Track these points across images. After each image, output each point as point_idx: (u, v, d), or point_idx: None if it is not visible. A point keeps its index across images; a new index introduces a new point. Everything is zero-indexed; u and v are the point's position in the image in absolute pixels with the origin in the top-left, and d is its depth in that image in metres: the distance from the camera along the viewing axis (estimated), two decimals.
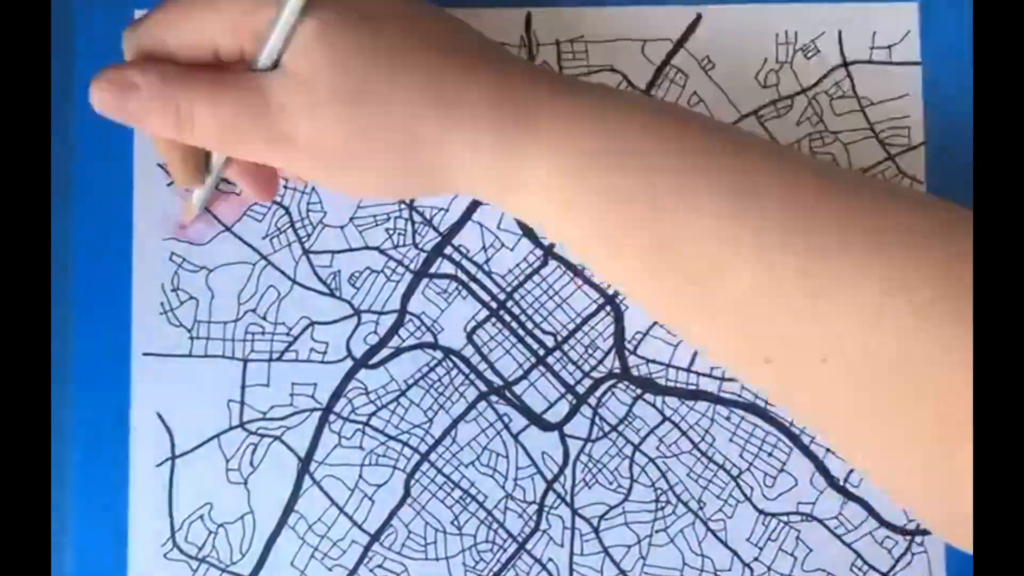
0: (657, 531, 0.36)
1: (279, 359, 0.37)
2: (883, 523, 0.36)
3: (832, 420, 0.30)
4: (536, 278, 0.37)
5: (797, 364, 0.29)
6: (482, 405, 0.36)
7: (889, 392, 0.28)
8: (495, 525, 0.36)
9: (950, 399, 0.27)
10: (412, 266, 0.37)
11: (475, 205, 0.37)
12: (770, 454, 0.36)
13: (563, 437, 0.36)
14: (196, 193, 0.35)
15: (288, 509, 0.36)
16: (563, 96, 0.30)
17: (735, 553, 0.36)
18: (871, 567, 0.36)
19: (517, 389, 0.36)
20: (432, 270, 0.37)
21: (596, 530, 0.36)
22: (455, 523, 0.36)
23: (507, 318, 0.37)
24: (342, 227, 0.37)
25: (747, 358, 0.31)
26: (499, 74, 0.30)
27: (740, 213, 0.28)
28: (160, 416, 0.36)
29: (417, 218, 0.37)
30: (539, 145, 0.29)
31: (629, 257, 0.30)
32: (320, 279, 0.37)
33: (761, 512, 0.36)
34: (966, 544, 0.29)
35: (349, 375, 0.36)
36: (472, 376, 0.36)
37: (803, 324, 0.28)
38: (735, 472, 0.36)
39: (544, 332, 0.37)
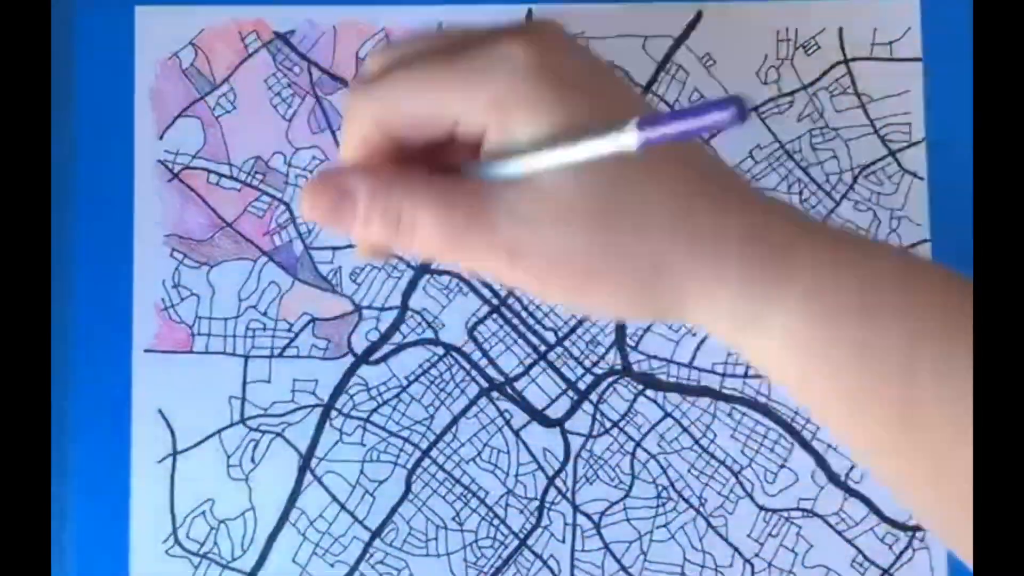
0: (658, 527, 0.36)
1: (280, 355, 0.37)
2: (884, 519, 0.36)
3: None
4: None
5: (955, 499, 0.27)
6: (483, 401, 0.36)
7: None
8: (496, 521, 0.36)
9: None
10: (413, 263, 0.37)
11: None
12: (771, 450, 0.36)
13: (564, 433, 0.36)
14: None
15: (289, 505, 0.36)
16: (821, 238, 0.27)
17: (736, 549, 0.36)
18: (872, 563, 0.36)
19: (518, 385, 0.36)
20: (433, 266, 0.37)
21: (597, 526, 0.36)
22: (456, 519, 0.36)
23: (508, 314, 0.37)
24: None
25: (947, 506, 0.28)
26: (751, 210, 0.27)
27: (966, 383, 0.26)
28: (161, 413, 0.36)
29: None
30: (791, 289, 0.27)
31: (871, 416, 0.27)
32: (321, 275, 0.37)
33: (762, 508, 0.36)
34: None
35: (350, 371, 0.36)
36: (473, 372, 0.36)
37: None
38: (736, 468, 0.36)
39: (545, 328, 0.37)
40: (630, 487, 0.36)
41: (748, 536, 0.36)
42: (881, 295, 0.27)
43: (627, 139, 0.24)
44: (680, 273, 0.27)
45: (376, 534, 0.36)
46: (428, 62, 0.27)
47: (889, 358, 0.26)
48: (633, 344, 0.36)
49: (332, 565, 0.36)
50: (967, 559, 0.28)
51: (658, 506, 0.36)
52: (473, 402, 0.36)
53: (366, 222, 0.27)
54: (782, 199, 0.30)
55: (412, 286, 0.37)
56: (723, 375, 0.36)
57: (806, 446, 0.36)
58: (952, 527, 0.28)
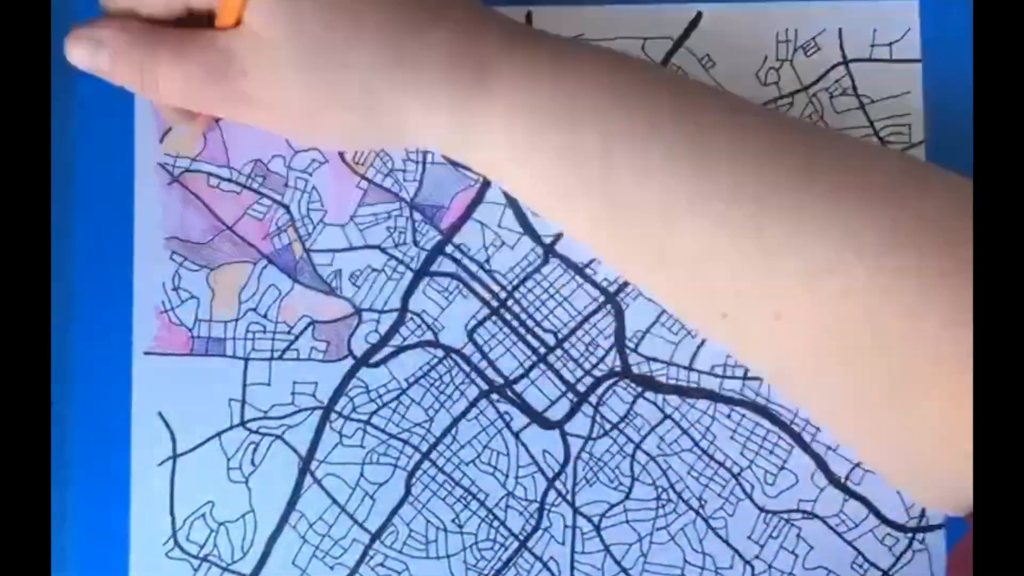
0: (658, 529, 0.36)
1: (280, 358, 0.37)
2: (884, 520, 0.36)
3: (790, 376, 0.32)
4: (537, 276, 0.37)
5: (752, 320, 0.30)
6: (483, 403, 0.36)
7: (841, 348, 0.29)
8: (496, 523, 0.36)
9: (905, 353, 0.28)
10: (413, 264, 0.37)
11: (475, 204, 0.37)
12: (771, 452, 0.36)
13: (564, 435, 0.36)
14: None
15: (289, 508, 0.36)
16: (519, 53, 0.30)
17: (736, 551, 0.36)
18: (872, 565, 0.36)
19: (518, 387, 0.36)
20: (433, 268, 0.37)
21: (597, 528, 0.36)
22: (456, 521, 0.36)
23: (508, 316, 0.37)
24: (343, 226, 0.37)
25: (703, 313, 0.32)
26: (456, 32, 0.30)
27: (694, 174, 0.29)
28: (161, 415, 0.36)
29: (418, 216, 0.37)
30: (495, 104, 0.30)
31: (583, 212, 0.31)
32: (321, 278, 0.37)
33: (762, 510, 0.36)
34: (926, 499, 0.30)
35: (350, 374, 0.36)
36: (473, 374, 0.36)
37: (756, 281, 0.29)
38: (736, 470, 0.36)
39: (545, 330, 0.37)
40: (630, 489, 0.36)
41: (748, 538, 0.36)
42: (578, 100, 0.30)
43: None
44: (395, 105, 0.30)
45: (376, 536, 0.36)
46: None
47: (588, 160, 0.30)
48: (632, 346, 0.36)
49: (332, 567, 0.36)
50: (696, 327, 0.34)
51: (658, 508, 0.36)
52: (473, 404, 0.36)
53: (114, 71, 0.31)
54: (489, 10, 0.32)
55: (412, 288, 0.37)
56: (722, 377, 0.36)
57: (806, 448, 0.36)
58: (675, 298, 0.32)
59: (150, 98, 0.32)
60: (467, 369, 0.36)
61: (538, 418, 0.36)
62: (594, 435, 0.36)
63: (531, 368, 0.36)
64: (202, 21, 0.31)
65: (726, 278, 0.30)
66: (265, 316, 0.37)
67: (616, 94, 0.30)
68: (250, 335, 0.37)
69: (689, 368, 0.36)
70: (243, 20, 0.30)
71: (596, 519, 0.36)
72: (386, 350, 0.37)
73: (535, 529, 0.36)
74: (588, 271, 0.37)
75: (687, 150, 0.29)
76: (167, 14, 0.31)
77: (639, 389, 0.36)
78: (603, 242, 0.32)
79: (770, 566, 0.36)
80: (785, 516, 0.36)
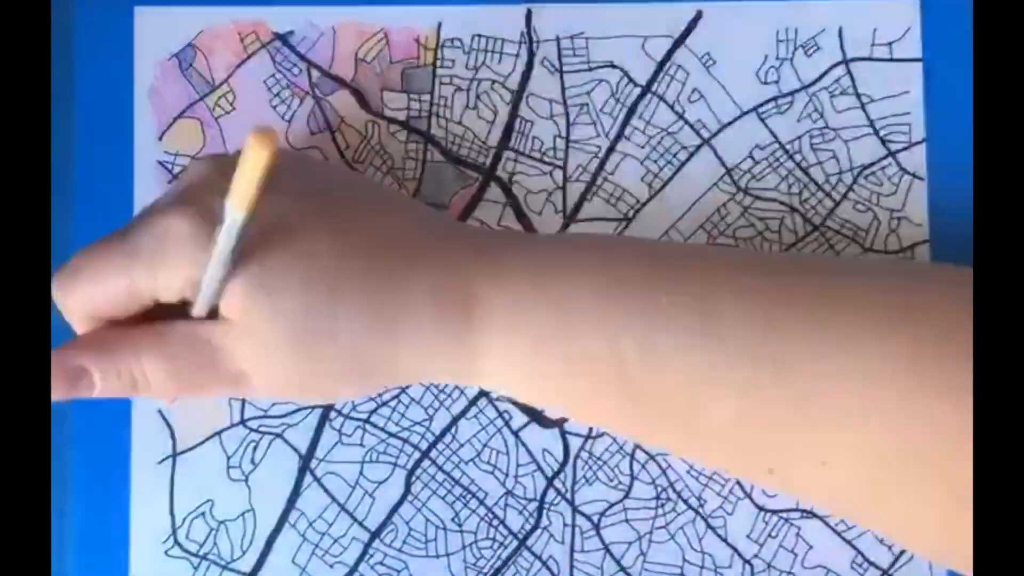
0: (657, 528, 0.36)
1: None
2: None
3: (847, 509, 0.32)
4: None
5: (798, 471, 0.30)
6: (482, 402, 0.36)
7: (893, 479, 0.28)
8: (495, 522, 0.36)
9: (955, 471, 0.27)
10: None
11: (475, 202, 0.37)
12: None
13: (563, 434, 0.36)
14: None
15: (289, 506, 0.36)
16: (504, 279, 0.30)
17: (735, 550, 0.36)
18: (871, 564, 0.36)
19: None
20: None
21: (596, 527, 0.36)
22: (455, 520, 0.36)
23: None
24: None
25: (749, 471, 0.32)
26: (436, 274, 0.30)
27: (707, 351, 0.29)
28: (161, 414, 0.36)
29: None
30: (491, 337, 0.30)
31: (605, 411, 0.31)
32: None
33: (761, 509, 0.36)
34: None
35: None
36: None
37: (796, 434, 0.29)
38: None
39: None
40: (629, 488, 0.36)
41: (747, 537, 0.36)
42: (570, 313, 0.29)
43: (230, 217, 0.26)
44: (386, 359, 0.30)
45: (375, 535, 0.36)
46: (104, 260, 0.29)
47: (597, 363, 0.29)
48: None
49: (331, 566, 0.36)
50: (744, 480, 0.33)
51: (657, 507, 0.36)
52: (472, 403, 0.36)
53: (107, 391, 0.30)
54: (461, 236, 0.32)
55: None
56: None
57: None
58: (718, 464, 0.33)
59: (144, 396, 0.30)
60: None
61: (538, 417, 0.36)
62: (593, 434, 0.36)
63: None
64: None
65: (763, 438, 0.29)
66: None
67: (608, 293, 0.29)
68: None
69: None
70: (220, 311, 0.29)
71: (595, 518, 0.36)
72: None
73: (534, 528, 0.36)
74: None
75: (693, 326, 0.29)
76: (139, 308, 0.30)
77: None
78: (634, 430, 0.32)
79: (769, 565, 0.36)
80: (784, 515, 0.36)
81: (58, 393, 0.30)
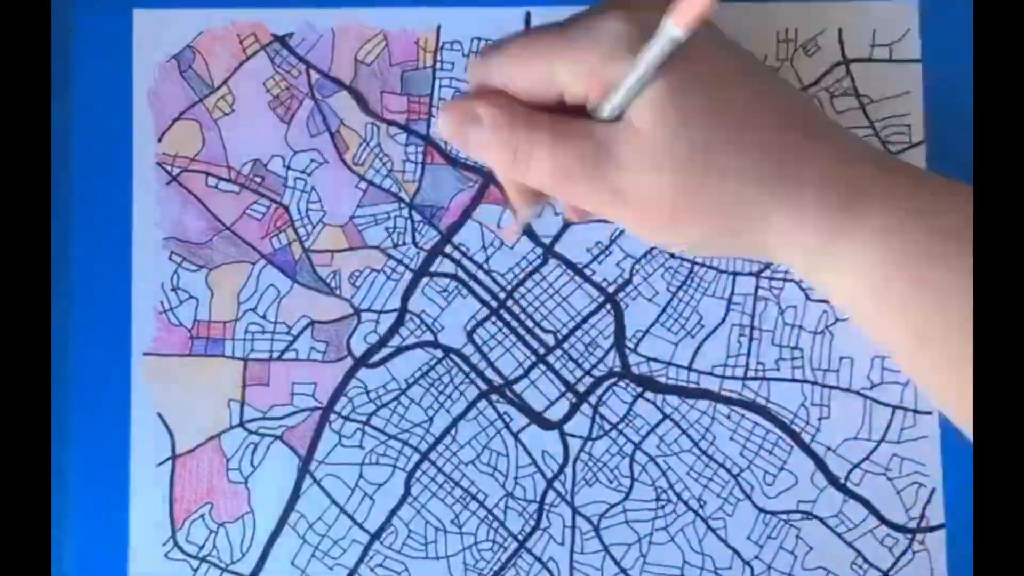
0: (657, 529, 0.36)
1: (279, 358, 0.37)
2: (884, 521, 0.36)
3: None
4: (536, 276, 0.37)
5: None
6: (482, 404, 0.36)
7: None
8: (495, 524, 0.36)
9: None
10: (412, 265, 0.37)
11: (474, 204, 0.37)
12: (770, 452, 0.36)
13: (563, 436, 0.36)
14: (521, 212, 0.34)
15: (288, 508, 0.36)
16: (894, 183, 0.30)
17: (735, 551, 0.36)
18: (872, 565, 0.36)
19: (517, 388, 0.36)
20: (432, 269, 0.37)
21: (596, 528, 0.36)
22: (455, 522, 0.36)
23: (507, 317, 0.37)
24: (342, 226, 0.37)
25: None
26: (830, 156, 0.30)
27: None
28: (160, 416, 0.36)
29: (417, 217, 0.37)
30: (864, 233, 0.29)
31: (936, 349, 0.30)
32: (320, 278, 0.37)
33: (761, 510, 0.36)
34: None
35: (349, 374, 0.36)
36: (472, 375, 0.36)
37: None
38: (735, 470, 0.36)
39: (544, 331, 0.37)
40: (629, 489, 0.36)
41: (747, 538, 0.36)
42: (947, 238, 0.29)
43: (669, 33, 0.27)
44: (762, 218, 0.30)
45: (375, 537, 0.36)
46: (534, 40, 0.30)
47: (950, 299, 0.29)
48: (632, 346, 0.36)
49: (331, 568, 0.36)
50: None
51: (657, 508, 0.36)
52: (472, 405, 0.36)
53: (487, 147, 0.30)
54: (858, 138, 0.32)
55: (411, 289, 0.37)
56: (722, 377, 0.36)
57: (805, 448, 0.36)
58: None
59: (515, 178, 0.31)
60: (466, 369, 0.36)
61: (537, 418, 0.36)
62: (593, 435, 0.36)
63: (530, 368, 0.36)
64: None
65: None
66: (264, 316, 0.37)
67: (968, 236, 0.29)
68: (249, 335, 0.37)
69: (689, 368, 0.36)
70: (625, 115, 0.29)
71: (595, 519, 0.36)
72: (385, 350, 0.37)
73: (534, 529, 0.36)
74: (587, 271, 0.37)
75: None
76: (542, 98, 0.30)
77: (639, 389, 0.36)
78: (947, 380, 0.30)
79: (769, 567, 0.36)
80: (784, 517, 0.36)
81: (448, 127, 0.31)
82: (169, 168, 0.37)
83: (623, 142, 0.29)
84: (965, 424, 0.30)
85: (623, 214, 0.30)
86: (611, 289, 0.37)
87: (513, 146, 0.30)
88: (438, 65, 0.37)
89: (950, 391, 0.30)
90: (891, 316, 0.30)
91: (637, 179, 0.29)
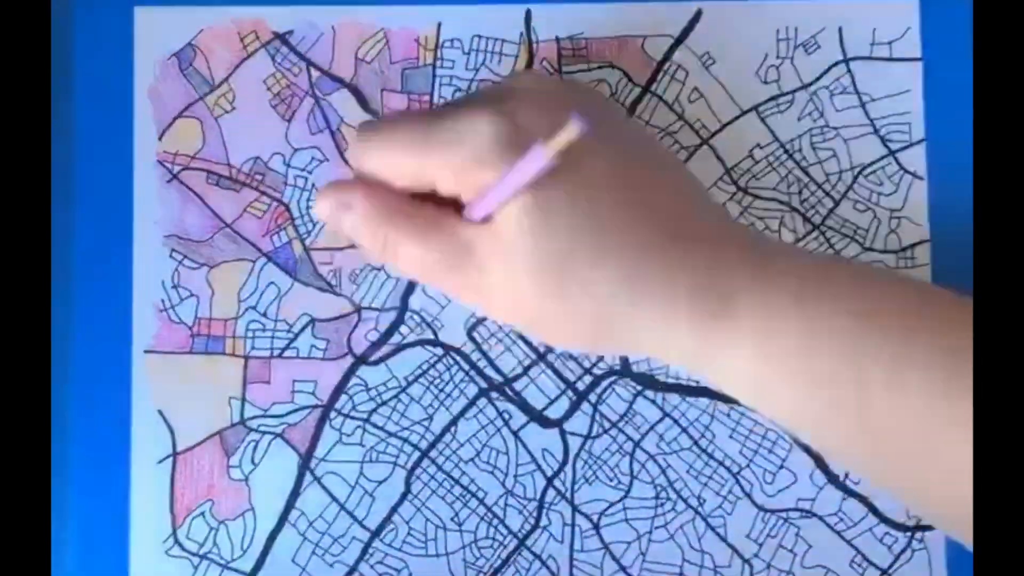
0: (657, 527, 0.36)
1: (280, 356, 0.37)
2: (883, 519, 0.36)
3: None
4: None
5: None
6: (482, 402, 0.36)
7: None
8: (495, 522, 0.36)
9: None
10: None
11: None
12: (770, 451, 0.36)
13: (563, 434, 0.36)
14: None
15: (289, 506, 0.36)
16: (764, 279, 0.29)
17: (735, 549, 0.36)
18: (871, 563, 0.36)
19: (517, 386, 0.36)
20: None
21: (596, 526, 0.36)
22: (455, 519, 0.36)
23: None
24: None
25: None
26: (703, 258, 0.29)
27: (948, 397, 0.27)
28: (161, 413, 0.36)
29: None
30: (739, 334, 0.29)
31: (833, 438, 0.30)
32: (321, 276, 0.37)
33: (761, 508, 0.36)
34: None
35: (350, 372, 0.37)
36: (472, 373, 0.36)
37: None
38: (735, 469, 0.36)
39: None
40: (629, 487, 0.36)
41: (747, 536, 0.36)
42: (827, 328, 0.29)
43: (541, 159, 0.27)
44: (629, 327, 0.30)
45: (375, 534, 0.36)
46: (407, 133, 0.30)
47: (842, 387, 0.28)
48: None
49: (331, 565, 0.36)
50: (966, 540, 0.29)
51: (657, 506, 0.36)
52: (472, 403, 0.36)
53: (358, 235, 0.31)
54: (736, 226, 0.32)
55: (411, 287, 0.37)
56: None
57: (805, 447, 0.36)
58: (935, 509, 0.30)
59: (385, 264, 0.32)
60: (466, 367, 0.37)
61: (537, 416, 0.36)
62: (593, 433, 0.36)
63: (530, 366, 0.36)
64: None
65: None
66: (265, 314, 0.37)
67: (866, 319, 0.29)
68: (250, 333, 0.37)
69: None
70: (493, 218, 0.29)
71: (595, 517, 0.36)
72: (386, 348, 0.37)
73: (534, 527, 0.36)
74: None
75: (942, 371, 0.28)
76: (419, 187, 0.31)
77: (638, 387, 0.36)
78: (857, 461, 0.31)
79: (769, 565, 0.36)
80: (784, 515, 0.36)
81: (323, 212, 0.31)
82: (170, 166, 0.37)
83: (487, 245, 0.29)
84: (885, 490, 0.31)
85: (490, 313, 0.32)
86: None
87: (381, 238, 0.31)
88: (438, 63, 0.37)
89: (855, 465, 0.32)
90: (781, 409, 0.30)
91: (498, 284, 0.30)
